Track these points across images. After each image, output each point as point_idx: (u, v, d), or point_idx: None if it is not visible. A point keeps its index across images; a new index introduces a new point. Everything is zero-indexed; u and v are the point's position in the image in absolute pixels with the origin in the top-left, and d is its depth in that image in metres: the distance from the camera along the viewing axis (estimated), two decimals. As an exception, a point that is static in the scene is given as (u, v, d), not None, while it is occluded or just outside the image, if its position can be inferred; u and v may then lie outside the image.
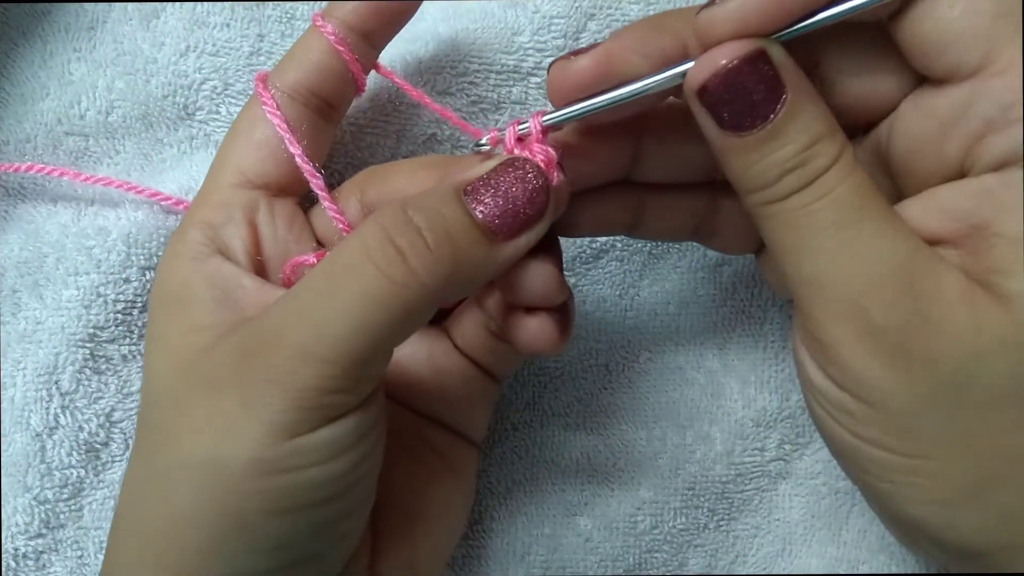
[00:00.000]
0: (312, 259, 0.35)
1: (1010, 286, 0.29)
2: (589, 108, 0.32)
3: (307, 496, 0.30)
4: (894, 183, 0.33)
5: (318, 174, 0.36)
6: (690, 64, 0.30)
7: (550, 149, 0.32)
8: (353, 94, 0.38)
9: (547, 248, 0.33)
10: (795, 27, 0.29)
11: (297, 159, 0.35)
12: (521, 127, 0.33)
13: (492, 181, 0.31)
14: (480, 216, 0.31)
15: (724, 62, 0.29)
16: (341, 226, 0.36)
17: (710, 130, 0.30)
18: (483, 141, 0.34)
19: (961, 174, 0.31)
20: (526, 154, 0.32)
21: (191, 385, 0.31)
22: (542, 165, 0.32)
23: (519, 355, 0.39)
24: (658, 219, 0.37)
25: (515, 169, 0.31)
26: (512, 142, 0.32)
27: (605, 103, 0.31)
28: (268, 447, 0.29)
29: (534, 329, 0.34)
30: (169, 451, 0.31)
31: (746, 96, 0.29)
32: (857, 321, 0.29)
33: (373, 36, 0.37)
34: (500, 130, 0.33)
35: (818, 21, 0.29)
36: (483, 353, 0.38)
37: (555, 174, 0.32)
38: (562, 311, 0.35)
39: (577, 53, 0.31)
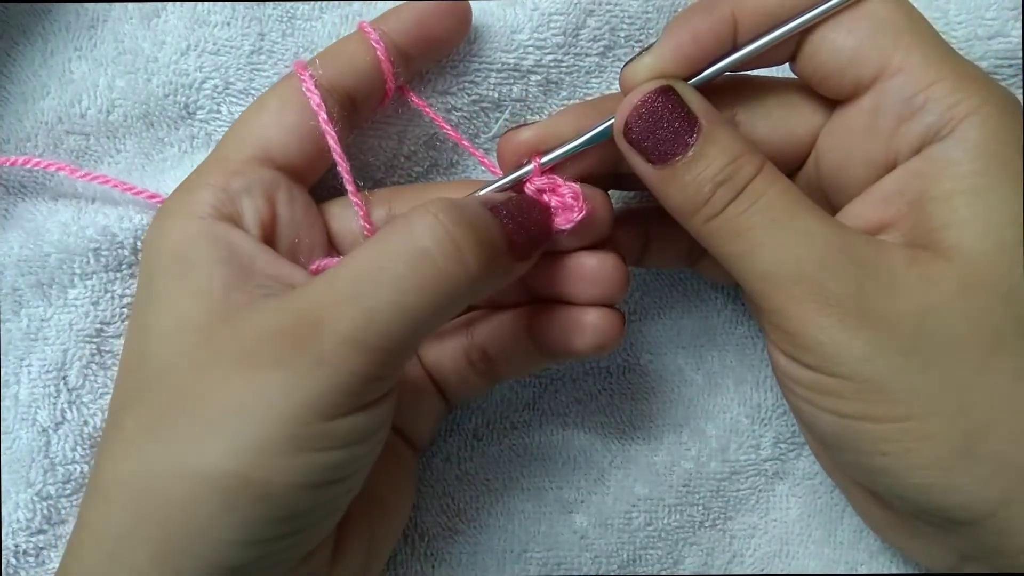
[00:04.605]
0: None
1: (950, 238, 0.31)
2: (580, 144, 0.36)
3: (328, 475, 0.31)
4: (834, 208, 0.36)
5: (346, 162, 0.37)
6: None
7: (574, 185, 0.36)
8: (378, 104, 0.39)
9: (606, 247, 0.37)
10: (702, 75, 0.34)
11: (329, 140, 0.36)
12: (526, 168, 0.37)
13: (516, 206, 0.35)
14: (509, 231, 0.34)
15: (638, 99, 0.33)
16: (361, 214, 0.38)
17: (642, 168, 0.34)
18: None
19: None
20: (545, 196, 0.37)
21: (216, 358, 0.32)
22: (572, 202, 0.36)
23: (485, 387, 0.41)
24: (661, 247, 0.41)
25: (532, 200, 0.36)
26: (534, 186, 0.37)
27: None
28: (305, 426, 0.30)
29: (592, 322, 0.37)
30: (193, 418, 0.31)
31: (664, 126, 0.33)
32: (816, 297, 0.31)
33: (411, 58, 0.38)
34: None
35: (721, 68, 0.34)
36: (452, 376, 0.40)
37: (582, 204, 0.36)
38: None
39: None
